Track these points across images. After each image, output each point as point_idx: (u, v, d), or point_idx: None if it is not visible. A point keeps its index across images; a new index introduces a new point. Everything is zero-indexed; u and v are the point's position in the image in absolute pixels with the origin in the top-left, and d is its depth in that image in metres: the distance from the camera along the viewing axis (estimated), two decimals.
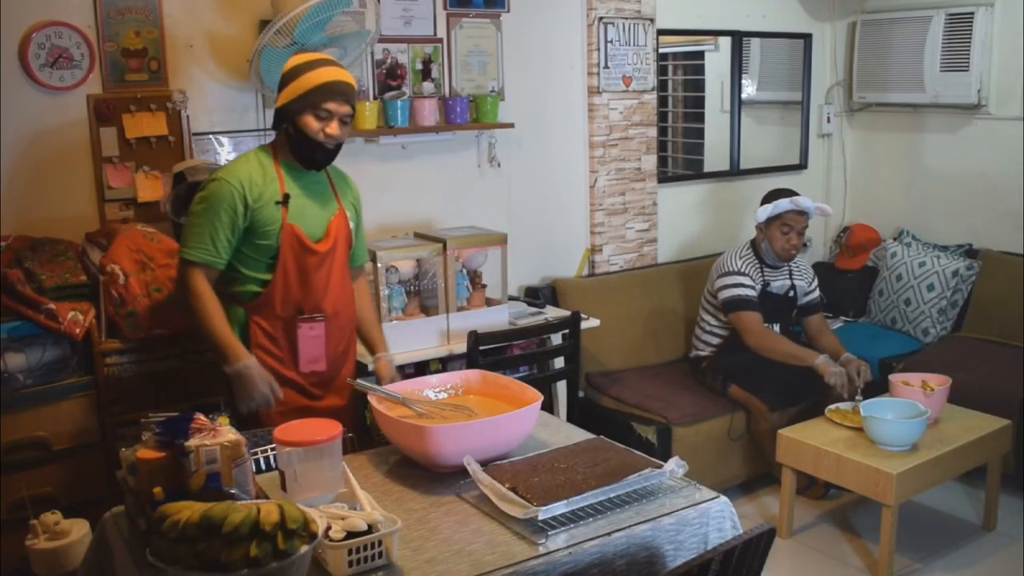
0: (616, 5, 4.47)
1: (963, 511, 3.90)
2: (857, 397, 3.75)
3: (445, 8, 4.01)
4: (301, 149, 2.61)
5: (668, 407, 3.93)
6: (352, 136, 3.76)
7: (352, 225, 2.80)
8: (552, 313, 4.02)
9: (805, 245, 5.42)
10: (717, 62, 5.28)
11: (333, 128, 2.58)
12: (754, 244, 4.14)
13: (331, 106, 2.56)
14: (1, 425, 2.80)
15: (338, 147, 2.66)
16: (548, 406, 3.50)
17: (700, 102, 5.60)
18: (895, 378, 3.70)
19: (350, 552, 1.72)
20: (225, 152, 3.55)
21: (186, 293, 2.60)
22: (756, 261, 4.09)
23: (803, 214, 4.03)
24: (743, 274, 4.02)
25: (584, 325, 3.88)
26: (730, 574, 1.83)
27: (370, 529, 1.76)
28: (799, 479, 3.71)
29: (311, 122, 2.56)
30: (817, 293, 4.23)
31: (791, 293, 4.13)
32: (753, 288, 4.01)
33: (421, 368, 3.51)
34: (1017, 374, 4.06)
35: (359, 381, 2.49)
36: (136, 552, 1.85)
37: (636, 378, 4.27)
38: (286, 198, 2.61)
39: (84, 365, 2.96)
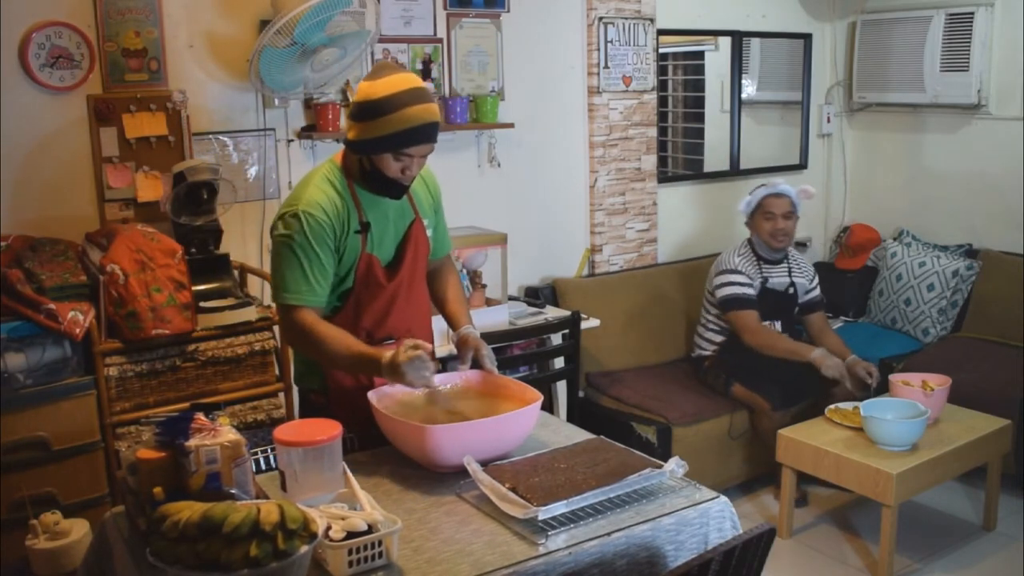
0: (616, 5, 4.47)
1: (963, 511, 3.90)
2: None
3: (445, 8, 4.01)
4: (374, 184, 2.34)
5: (668, 407, 3.93)
6: None
7: (430, 232, 2.53)
8: (552, 313, 4.02)
9: (806, 245, 5.44)
10: (717, 62, 5.28)
11: (414, 169, 2.32)
12: (751, 242, 4.15)
13: (415, 150, 2.27)
14: (1, 425, 2.80)
15: (413, 177, 2.37)
16: (548, 406, 3.50)
17: (700, 102, 5.60)
18: (895, 378, 3.70)
19: (350, 552, 1.72)
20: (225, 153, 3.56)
21: (301, 339, 2.32)
22: (754, 257, 4.10)
23: (782, 196, 4.05)
24: (740, 272, 4.03)
25: (584, 325, 3.88)
26: (730, 574, 1.83)
27: (370, 529, 1.76)
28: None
29: (390, 164, 2.28)
30: (818, 291, 4.23)
31: (791, 290, 4.13)
32: (751, 286, 4.01)
33: None
34: (1017, 374, 4.06)
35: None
36: (136, 552, 1.85)
37: (636, 378, 4.27)
38: (366, 227, 2.36)
39: (84, 365, 2.96)
